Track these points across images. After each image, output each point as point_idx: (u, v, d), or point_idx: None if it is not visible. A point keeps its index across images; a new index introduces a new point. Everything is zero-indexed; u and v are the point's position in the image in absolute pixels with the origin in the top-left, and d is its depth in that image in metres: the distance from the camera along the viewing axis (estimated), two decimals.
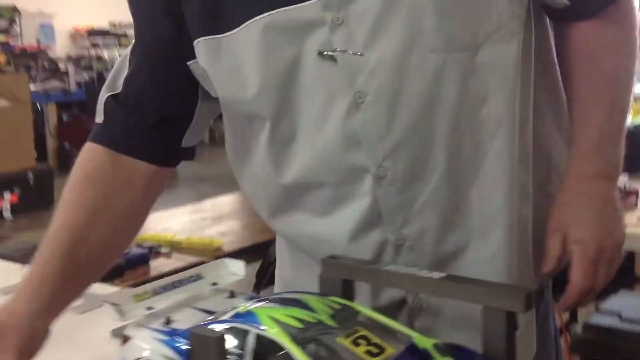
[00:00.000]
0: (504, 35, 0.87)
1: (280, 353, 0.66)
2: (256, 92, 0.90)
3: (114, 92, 0.99)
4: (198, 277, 0.86)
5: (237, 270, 0.88)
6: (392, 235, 0.90)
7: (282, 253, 1.12)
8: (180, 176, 8.28)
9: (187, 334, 0.72)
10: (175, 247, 1.80)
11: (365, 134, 0.87)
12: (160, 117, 0.99)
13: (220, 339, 0.66)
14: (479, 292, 0.70)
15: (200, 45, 0.93)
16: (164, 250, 1.79)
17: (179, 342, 0.72)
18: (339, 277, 0.80)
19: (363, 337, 0.69)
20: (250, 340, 0.68)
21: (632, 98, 1.00)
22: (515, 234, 0.92)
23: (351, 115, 0.87)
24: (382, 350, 0.68)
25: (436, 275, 0.74)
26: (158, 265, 1.69)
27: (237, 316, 0.72)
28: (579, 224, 0.92)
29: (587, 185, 0.93)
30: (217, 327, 0.70)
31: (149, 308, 0.79)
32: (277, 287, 1.15)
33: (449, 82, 0.86)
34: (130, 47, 1.01)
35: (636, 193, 2.02)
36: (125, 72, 1.00)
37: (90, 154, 1.00)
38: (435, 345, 0.71)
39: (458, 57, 0.86)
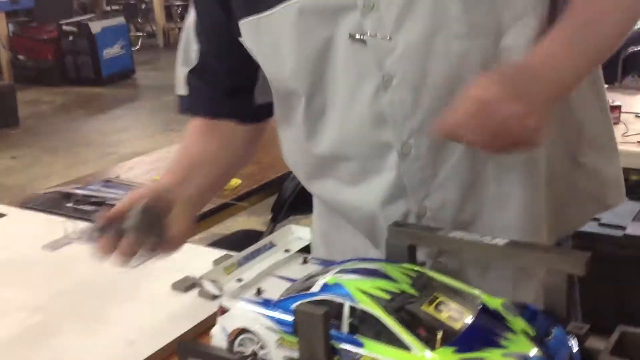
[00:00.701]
0: (528, 21, 0.91)
1: (374, 323, 0.76)
2: (292, 70, 0.98)
3: (191, 67, 1.11)
4: (271, 245, 0.94)
5: (303, 235, 0.97)
6: (414, 207, 1.00)
7: (319, 208, 1.21)
8: (141, 87, 8.19)
9: (283, 305, 0.81)
10: None
11: (392, 114, 0.95)
12: (231, 85, 1.10)
13: (326, 315, 0.75)
14: (543, 257, 0.80)
15: (244, 26, 1.01)
16: None
17: (277, 313, 0.81)
18: (406, 244, 0.89)
19: (442, 302, 0.79)
20: (346, 312, 0.77)
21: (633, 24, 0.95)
22: (530, 208, 0.99)
23: (379, 96, 0.95)
24: (461, 314, 0.78)
25: (500, 241, 0.83)
26: None
27: (327, 288, 0.80)
28: (502, 82, 0.84)
29: (541, 65, 0.88)
30: (312, 300, 0.79)
31: (239, 280, 0.87)
32: (316, 239, 1.24)
33: (471, 66, 0.91)
34: (191, 22, 1.11)
35: (619, 108, 2.12)
36: (194, 47, 1.10)
37: (189, 130, 1.14)
38: (503, 305, 0.81)
39: (481, 43, 0.91)
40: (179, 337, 1.03)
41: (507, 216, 0.99)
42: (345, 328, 0.77)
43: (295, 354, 0.79)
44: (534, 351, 0.73)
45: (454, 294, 0.81)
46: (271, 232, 1.94)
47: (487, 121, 0.82)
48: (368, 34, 0.92)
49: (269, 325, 0.81)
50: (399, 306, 0.77)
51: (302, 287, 0.84)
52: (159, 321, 1.08)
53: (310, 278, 0.87)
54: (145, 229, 0.96)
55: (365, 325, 0.76)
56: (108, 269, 1.24)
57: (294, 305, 0.79)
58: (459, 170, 0.97)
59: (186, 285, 1.17)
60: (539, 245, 0.83)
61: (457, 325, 0.76)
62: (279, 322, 0.80)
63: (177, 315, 1.09)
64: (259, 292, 0.86)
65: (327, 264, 0.92)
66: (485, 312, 0.79)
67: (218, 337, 0.86)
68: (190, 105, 1.14)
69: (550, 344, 0.75)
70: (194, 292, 1.16)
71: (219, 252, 1.29)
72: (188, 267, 1.22)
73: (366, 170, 1.00)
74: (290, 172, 1.95)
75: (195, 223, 1.12)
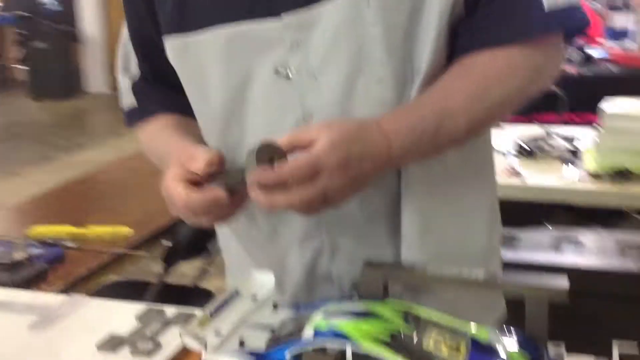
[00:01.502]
0: (426, 77, 0.92)
1: None
2: (213, 96, 0.98)
3: (134, 79, 1.11)
4: (237, 294, 0.90)
5: (267, 281, 0.93)
6: (328, 244, 1.00)
7: (227, 240, 1.17)
8: None
9: (277, 356, 0.78)
10: (80, 239, 1.73)
11: None
12: (176, 86, 1.05)
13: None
14: (525, 286, 0.83)
15: (169, 42, 1.00)
16: (70, 244, 1.71)
17: None
18: (381, 282, 0.88)
19: (439, 339, 0.79)
20: (349, 356, 0.75)
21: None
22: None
23: None
24: (458, 349, 0.78)
25: (480, 274, 0.85)
26: (75, 261, 1.62)
27: (321, 333, 0.78)
28: (341, 148, 0.83)
29: (379, 136, 0.87)
30: (308, 347, 0.76)
31: (217, 333, 0.82)
32: (229, 274, 1.22)
33: (390, 109, 0.92)
34: (126, 35, 1.10)
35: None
36: (133, 58, 1.10)
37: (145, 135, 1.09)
38: (491, 334, 0.82)
39: (398, 90, 0.93)
40: None
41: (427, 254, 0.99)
42: None
43: None
44: None
45: (444, 328, 0.82)
46: (163, 279, 1.85)
47: (310, 186, 0.82)
48: (293, 71, 0.93)
49: None
50: (401, 346, 0.76)
51: (287, 335, 0.81)
52: None
53: (286, 324, 0.84)
54: None
55: None
56: (14, 335, 1.13)
57: (289, 354, 0.76)
58: (378, 209, 0.98)
59: (114, 344, 1.08)
60: (519, 276, 0.85)
61: (460, 359, 0.76)
62: None
63: None
64: (241, 344, 0.81)
65: (298, 309, 0.89)
66: (477, 346, 0.80)
67: None
68: (143, 110, 1.10)
69: None
70: (124, 351, 1.07)
71: (135, 307, 1.21)
72: (107, 325, 1.14)
73: None
74: None
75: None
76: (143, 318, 1.16)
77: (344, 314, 0.81)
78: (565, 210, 2.55)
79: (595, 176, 2.02)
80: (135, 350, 1.06)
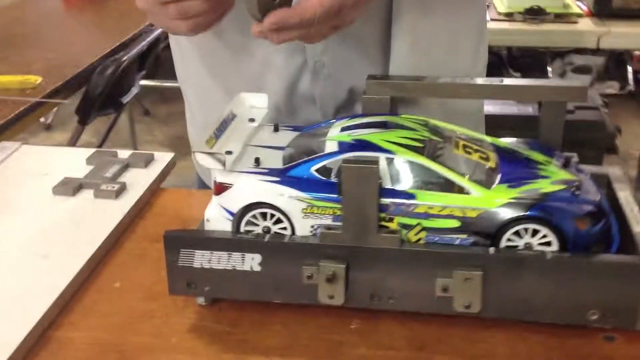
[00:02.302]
0: None
1: (418, 172, 0.70)
2: None
3: None
4: (234, 116, 0.82)
5: (259, 103, 0.85)
6: (310, 60, 0.94)
7: (187, 69, 1.09)
8: None
9: (301, 171, 0.72)
10: None
11: None
12: None
13: (377, 167, 0.68)
14: (544, 89, 0.80)
15: None
16: None
17: (299, 181, 0.71)
18: (388, 96, 0.83)
19: (466, 145, 0.76)
20: (383, 166, 0.71)
21: None
22: None
23: None
24: (486, 154, 0.75)
25: (495, 81, 0.82)
26: None
27: (347, 146, 0.72)
28: None
29: None
30: (337, 159, 0.71)
31: (228, 152, 0.74)
32: (188, 110, 1.14)
33: None
34: None
35: None
36: None
37: None
38: (510, 143, 0.80)
39: None
40: (102, 244, 0.87)
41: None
42: (387, 183, 0.70)
43: (326, 221, 0.71)
44: (574, 177, 0.73)
45: (467, 137, 0.78)
46: (79, 137, 1.70)
47: (327, 21, 0.77)
48: None
49: (294, 194, 0.71)
50: (434, 152, 0.72)
51: (304, 152, 0.75)
52: (71, 230, 0.90)
53: (295, 143, 0.78)
54: None
55: (407, 177, 0.70)
56: None
57: (314, 169, 0.71)
58: (362, 27, 0.92)
59: (72, 187, 0.98)
60: (535, 80, 0.82)
61: (492, 164, 0.74)
62: (307, 189, 0.71)
63: (82, 222, 0.92)
64: (257, 161, 0.75)
65: (299, 129, 0.83)
66: (500, 151, 0.77)
67: (217, 220, 0.73)
68: None
69: (575, 171, 0.76)
70: (86, 194, 0.98)
71: (80, 150, 1.10)
72: (56, 170, 1.03)
73: None
74: (98, 66, 1.73)
75: None
76: (95, 161, 1.06)
77: (367, 126, 0.76)
78: None
79: (508, 15, 2.03)
80: (99, 193, 0.97)
